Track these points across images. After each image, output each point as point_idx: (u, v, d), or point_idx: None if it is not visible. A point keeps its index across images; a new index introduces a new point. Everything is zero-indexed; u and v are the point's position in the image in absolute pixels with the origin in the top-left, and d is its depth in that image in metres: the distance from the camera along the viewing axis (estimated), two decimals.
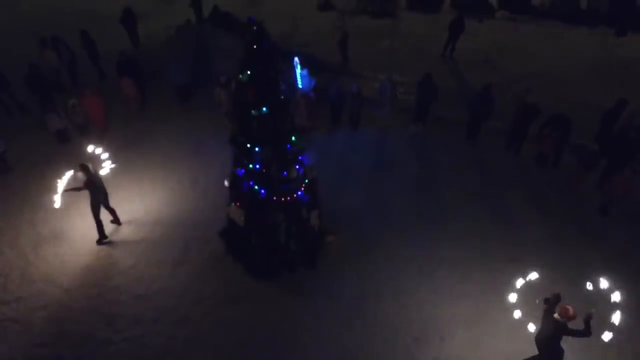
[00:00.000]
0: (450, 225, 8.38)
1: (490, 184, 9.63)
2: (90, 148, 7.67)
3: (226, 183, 6.98)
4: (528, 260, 7.63)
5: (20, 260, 7.47)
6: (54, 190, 7.27)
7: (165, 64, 12.15)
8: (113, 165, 7.92)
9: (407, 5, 21.67)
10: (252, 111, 5.85)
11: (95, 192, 7.42)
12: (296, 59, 9.31)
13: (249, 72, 5.55)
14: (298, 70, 9.96)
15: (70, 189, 7.26)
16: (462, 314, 6.70)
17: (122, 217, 8.29)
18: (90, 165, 7.33)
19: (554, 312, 5.24)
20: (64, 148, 10.11)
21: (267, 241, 6.76)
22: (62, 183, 7.23)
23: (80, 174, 7.23)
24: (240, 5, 18.78)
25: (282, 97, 6.00)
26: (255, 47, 5.40)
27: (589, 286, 5.48)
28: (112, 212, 7.99)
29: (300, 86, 10.40)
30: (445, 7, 21.23)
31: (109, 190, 8.42)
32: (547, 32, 18.90)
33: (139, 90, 11.65)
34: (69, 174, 7.27)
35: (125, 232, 8.12)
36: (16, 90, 11.42)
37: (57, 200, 7.22)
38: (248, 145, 6.14)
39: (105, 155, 7.77)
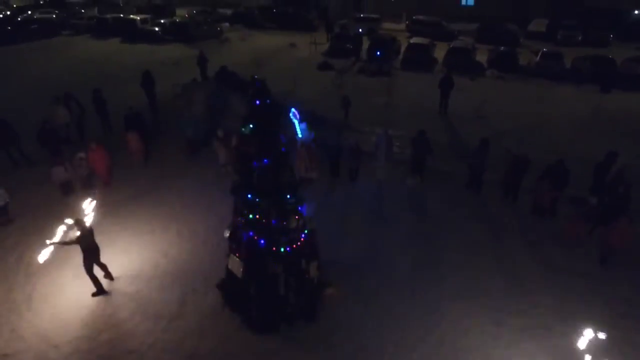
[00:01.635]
0: (450, 278, 8.28)
1: (489, 235, 9.66)
2: (85, 203, 7.70)
3: (226, 234, 7.02)
4: (532, 313, 7.48)
5: (12, 315, 7.27)
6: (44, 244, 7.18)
7: (171, 119, 12.66)
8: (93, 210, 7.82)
9: (402, 65, 22.96)
10: (254, 163, 6.05)
11: (87, 247, 7.35)
12: (294, 110, 9.74)
13: (251, 126, 5.83)
14: (296, 122, 10.36)
15: (60, 243, 7.19)
16: None
17: (119, 269, 8.20)
18: (84, 221, 7.35)
19: None
20: (66, 201, 10.23)
21: (265, 293, 6.66)
22: (52, 238, 7.17)
23: (75, 228, 7.23)
24: (245, 65, 19.94)
25: (283, 149, 6.24)
26: (257, 102, 5.72)
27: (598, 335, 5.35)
28: (103, 267, 7.88)
29: (299, 137, 10.75)
30: (437, 67, 22.48)
31: (107, 242, 8.45)
32: (535, 89, 19.90)
33: (143, 144, 12.02)
34: (61, 228, 7.23)
35: (122, 284, 7.98)
36: (24, 143, 11.77)
37: (44, 255, 7.07)
38: (249, 196, 6.27)
39: (92, 208, 7.74)
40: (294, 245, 6.62)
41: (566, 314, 7.38)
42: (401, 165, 12.08)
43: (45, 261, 7.21)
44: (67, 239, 7.25)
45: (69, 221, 7.24)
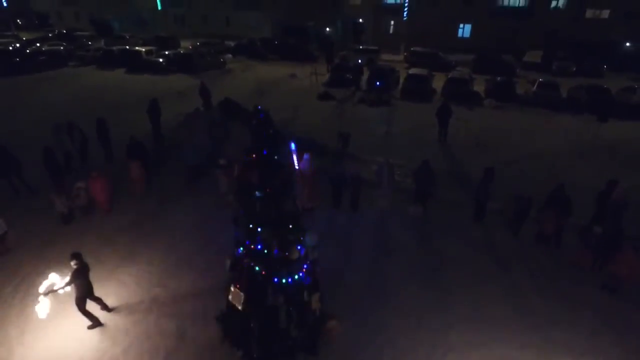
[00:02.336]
0: (456, 309, 8.09)
1: (495, 265, 9.50)
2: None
3: (227, 264, 6.90)
4: (543, 347, 7.26)
5: (3, 350, 7.04)
6: (35, 300, 6.99)
7: (173, 148, 12.75)
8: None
9: (401, 95, 23.38)
10: (256, 192, 6.03)
11: (81, 285, 7.17)
12: (292, 143, 9.75)
13: (254, 155, 5.85)
14: (294, 153, 10.31)
15: (51, 291, 7.00)
16: None
17: (115, 300, 8.02)
18: (82, 255, 7.21)
19: None
20: (65, 230, 10.15)
21: (266, 325, 6.48)
22: (42, 289, 6.98)
23: (72, 263, 7.05)
24: (248, 95, 20.30)
25: (285, 179, 6.23)
26: (260, 132, 5.77)
27: None
28: (98, 301, 7.69)
29: (298, 168, 10.73)
30: (436, 97, 22.87)
31: (104, 271, 8.33)
32: (533, 118, 20.17)
33: (145, 173, 12.05)
34: (47, 282, 7.05)
35: (118, 316, 7.78)
36: (27, 171, 11.80)
37: (44, 309, 6.91)
38: (250, 226, 6.21)
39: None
40: (296, 276, 6.49)
41: (577, 350, 7.16)
42: (403, 194, 12.06)
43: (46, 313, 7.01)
44: (61, 285, 7.05)
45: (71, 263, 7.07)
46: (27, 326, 7.48)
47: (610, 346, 7.25)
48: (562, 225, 9.79)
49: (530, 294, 8.58)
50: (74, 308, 7.47)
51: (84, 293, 7.27)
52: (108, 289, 8.08)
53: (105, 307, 7.80)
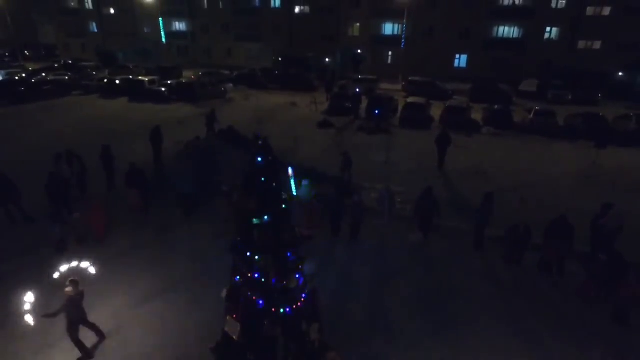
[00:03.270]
0: (461, 340, 7.84)
1: (498, 294, 9.29)
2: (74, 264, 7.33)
3: (223, 294, 6.73)
4: None
5: None
6: (23, 311, 6.75)
7: (172, 176, 12.74)
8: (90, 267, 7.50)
9: (400, 123, 23.66)
10: (254, 220, 5.96)
11: (75, 312, 7.03)
12: (290, 170, 9.70)
13: (252, 183, 5.82)
14: (293, 180, 10.26)
15: (47, 315, 6.86)
16: None
17: (108, 330, 7.78)
18: (79, 283, 7.09)
19: None
20: (58, 259, 9.95)
21: (263, 357, 6.25)
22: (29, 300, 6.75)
23: (67, 289, 6.93)
24: (248, 124, 20.51)
25: (284, 206, 6.18)
26: (259, 159, 5.77)
27: None
28: (92, 327, 7.50)
29: (296, 195, 10.69)
30: (434, 125, 23.13)
31: (98, 300, 8.13)
32: (531, 145, 20.32)
33: (143, 200, 12.00)
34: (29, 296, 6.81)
35: (110, 348, 7.53)
36: (27, 199, 11.73)
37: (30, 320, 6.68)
38: (248, 254, 6.10)
39: (86, 266, 7.42)
40: (294, 306, 6.32)
41: None
42: (403, 222, 11.96)
43: (27, 324, 6.73)
44: (56, 310, 6.90)
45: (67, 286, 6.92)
46: (16, 358, 7.22)
47: None
48: (565, 253, 9.65)
49: (538, 323, 8.34)
50: (64, 339, 7.25)
51: (77, 320, 7.09)
52: (101, 318, 7.84)
53: (99, 333, 7.60)
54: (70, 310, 6.93)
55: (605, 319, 8.42)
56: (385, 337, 7.86)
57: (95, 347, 7.51)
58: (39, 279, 9.01)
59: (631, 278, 7.96)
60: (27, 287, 8.73)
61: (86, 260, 7.33)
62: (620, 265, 8.29)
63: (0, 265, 9.43)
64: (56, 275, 6.99)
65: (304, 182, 10.49)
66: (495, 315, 8.57)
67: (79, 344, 7.16)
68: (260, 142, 5.82)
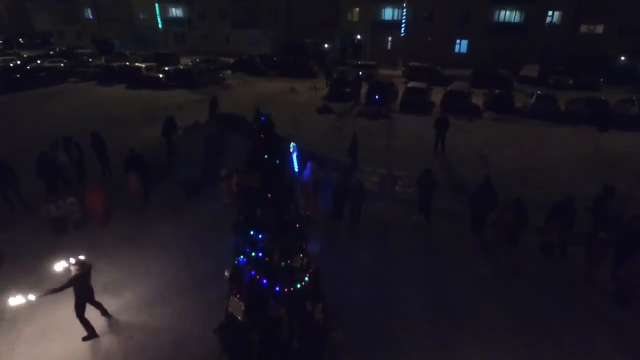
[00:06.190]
0: (463, 318, 7.85)
1: (499, 275, 9.28)
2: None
3: (226, 274, 6.67)
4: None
5: None
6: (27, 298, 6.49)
7: (172, 161, 12.60)
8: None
9: (400, 108, 23.45)
10: (257, 198, 5.86)
11: (82, 289, 7.02)
12: (292, 145, 9.42)
13: (255, 160, 5.71)
14: (295, 156, 10.04)
15: (50, 292, 6.67)
16: None
17: (112, 313, 7.76)
18: (85, 260, 7.08)
19: None
20: (58, 242, 9.91)
21: (267, 337, 6.21)
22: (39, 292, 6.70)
23: (74, 268, 6.91)
24: (247, 110, 20.18)
25: (287, 185, 6.08)
26: (262, 135, 5.64)
27: None
28: (98, 306, 7.52)
29: (297, 172, 10.55)
30: (435, 110, 22.93)
31: (100, 284, 8.08)
32: (532, 130, 20.18)
33: (142, 185, 11.87)
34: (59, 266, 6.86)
35: (113, 329, 7.51)
36: (24, 184, 11.61)
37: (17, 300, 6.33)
38: (251, 233, 6.02)
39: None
40: (298, 285, 6.27)
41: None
42: (405, 205, 11.89)
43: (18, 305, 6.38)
44: (60, 285, 6.82)
45: (71, 260, 6.88)
46: (18, 341, 7.20)
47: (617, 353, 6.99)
48: (567, 235, 9.61)
49: (536, 304, 8.35)
50: (67, 321, 7.23)
51: (84, 298, 7.10)
52: (103, 300, 7.79)
53: (105, 313, 7.61)
54: (77, 287, 6.92)
55: (608, 301, 8.40)
56: (387, 316, 7.85)
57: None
58: (39, 265, 8.98)
59: (638, 258, 7.91)
60: (27, 274, 8.79)
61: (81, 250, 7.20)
62: (632, 243, 8.24)
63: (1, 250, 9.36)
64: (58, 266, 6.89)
65: (308, 164, 10.34)
66: (496, 296, 8.56)
67: (84, 322, 7.16)
68: (262, 119, 5.70)
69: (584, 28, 37.20)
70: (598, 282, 8.84)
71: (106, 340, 7.23)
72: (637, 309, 8.20)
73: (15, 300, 6.20)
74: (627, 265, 8.01)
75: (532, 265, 9.59)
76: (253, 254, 6.07)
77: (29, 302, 6.40)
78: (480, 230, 10.79)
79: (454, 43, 41.25)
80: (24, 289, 8.25)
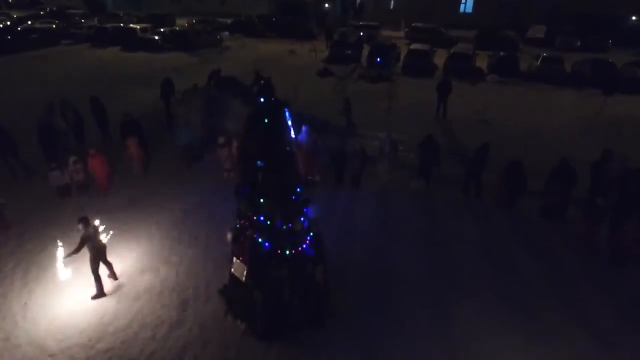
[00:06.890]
0: (460, 280, 8.06)
1: (497, 238, 9.45)
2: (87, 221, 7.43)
3: (229, 236, 6.79)
4: (547, 319, 7.25)
5: (6, 323, 7.00)
6: (55, 261, 7.31)
7: (171, 125, 12.46)
8: (110, 232, 7.84)
9: (402, 71, 22.95)
10: (258, 162, 5.86)
11: (94, 246, 7.28)
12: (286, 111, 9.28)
13: (256, 123, 5.66)
14: (289, 122, 9.91)
15: (69, 254, 7.18)
16: None
17: (118, 276, 7.97)
18: (90, 220, 7.23)
19: None
20: (63, 206, 10.02)
21: (270, 298, 6.41)
22: (60, 253, 7.21)
23: (80, 226, 7.14)
24: (246, 73, 19.77)
25: (288, 148, 6.06)
26: (262, 99, 5.56)
27: None
28: (109, 266, 7.75)
29: (294, 137, 10.45)
30: (438, 73, 22.45)
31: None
32: (536, 93, 19.84)
33: (142, 150, 11.81)
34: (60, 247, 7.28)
35: (121, 290, 7.73)
36: (22, 150, 11.57)
37: (63, 271, 7.31)
38: (253, 197, 6.06)
39: (99, 224, 7.60)
40: (300, 248, 6.39)
41: (572, 319, 7.15)
42: (405, 169, 11.90)
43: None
44: (74, 248, 7.18)
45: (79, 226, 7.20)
46: (30, 300, 7.43)
47: (611, 315, 7.24)
48: (567, 197, 9.67)
49: (532, 267, 8.56)
50: (77, 283, 7.47)
51: (96, 256, 7.37)
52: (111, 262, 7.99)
53: (112, 275, 7.84)
54: (90, 246, 7.23)
55: (603, 264, 8.58)
56: (387, 278, 8.05)
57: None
58: (45, 228, 9.11)
59: (634, 221, 8.00)
60: (35, 237, 8.94)
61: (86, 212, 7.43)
62: (630, 205, 8.31)
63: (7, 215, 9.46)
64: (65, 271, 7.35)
65: (303, 128, 10.24)
66: (494, 258, 8.74)
67: (97, 279, 7.43)
68: (263, 81, 5.59)
69: None
70: (596, 245, 8.98)
71: (112, 303, 7.46)
72: (630, 270, 8.39)
73: (61, 274, 7.24)
74: (621, 229, 8.12)
75: (530, 227, 9.72)
76: (254, 217, 6.15)
77: (66, 274, 7.29)
78: (478, 195, 10.84)
79: (459, 2, 39.74)
80: (33, 252, 8.52)
